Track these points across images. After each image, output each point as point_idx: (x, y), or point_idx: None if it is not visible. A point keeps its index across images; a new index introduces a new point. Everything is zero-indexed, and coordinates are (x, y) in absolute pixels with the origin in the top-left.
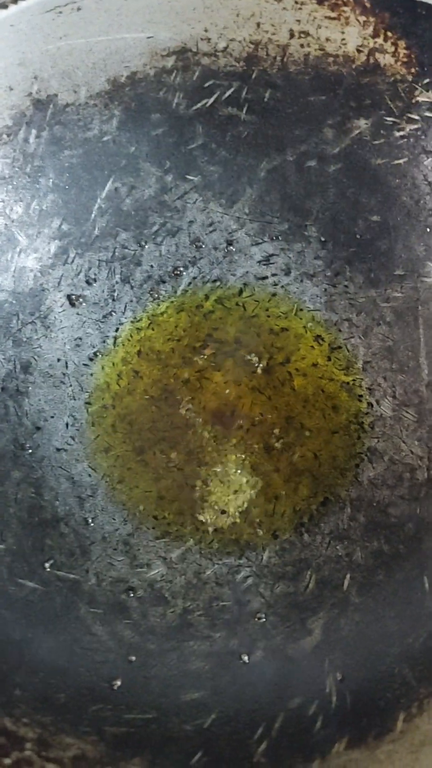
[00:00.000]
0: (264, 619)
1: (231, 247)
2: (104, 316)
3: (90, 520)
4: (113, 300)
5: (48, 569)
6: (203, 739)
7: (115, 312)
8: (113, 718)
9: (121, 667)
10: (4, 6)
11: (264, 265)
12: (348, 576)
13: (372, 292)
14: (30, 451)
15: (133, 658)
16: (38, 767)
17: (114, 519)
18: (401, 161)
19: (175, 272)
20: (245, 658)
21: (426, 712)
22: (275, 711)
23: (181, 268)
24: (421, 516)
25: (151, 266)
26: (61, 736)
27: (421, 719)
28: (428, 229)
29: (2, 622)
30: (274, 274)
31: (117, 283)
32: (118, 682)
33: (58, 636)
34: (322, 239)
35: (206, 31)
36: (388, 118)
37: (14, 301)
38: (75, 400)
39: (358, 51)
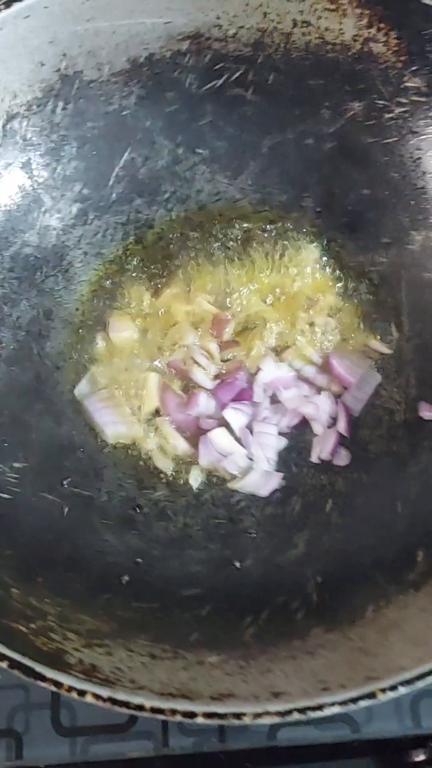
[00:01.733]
0: (255, 535)
1: None
2: (118, 272)
3: (104, 450)
4: (127, 257)
5: (65, 486)
6: (200, 624)
7: (128, 268)
8: (122, 605)
9: (130, 567)
10: None
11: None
12: (330, 501)
13: (361, 257)
14: (50, 387)
15: (140, 560)
16: (59, 634)
17: (125, 449)
18: (390, 140)
19: (184, 235)
20: (237, 564)
21: (393, 604)
22: (262, 606)
23: (190, 232)
24: (396, 451)
25: (162, 229)
26: (78, 614)
27: (388, 609)
28: (412, 202)
29: (28, 526)
30: None
31: (131, 243)
32: (127, 578)
33: (75, 540)
34: (317, 210)
35: (218, 18)
36: (379, 101)
37: (39, 256)
38: (90, 343)
39: (354, 40)
